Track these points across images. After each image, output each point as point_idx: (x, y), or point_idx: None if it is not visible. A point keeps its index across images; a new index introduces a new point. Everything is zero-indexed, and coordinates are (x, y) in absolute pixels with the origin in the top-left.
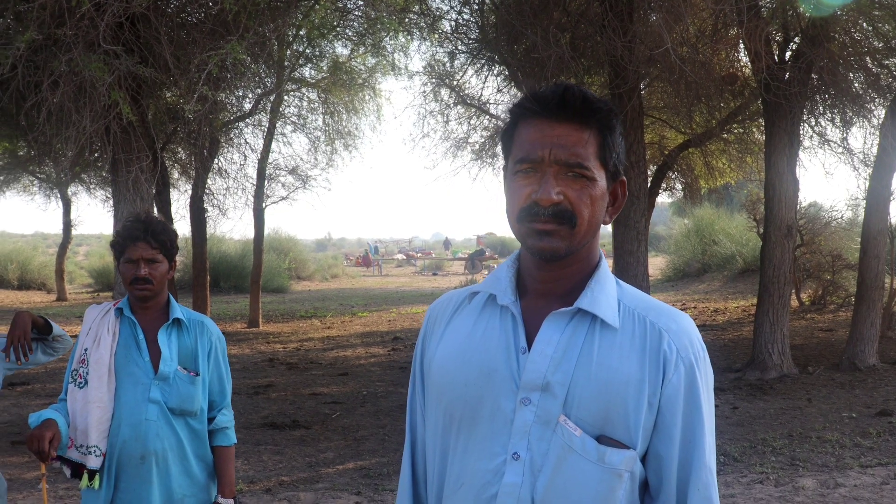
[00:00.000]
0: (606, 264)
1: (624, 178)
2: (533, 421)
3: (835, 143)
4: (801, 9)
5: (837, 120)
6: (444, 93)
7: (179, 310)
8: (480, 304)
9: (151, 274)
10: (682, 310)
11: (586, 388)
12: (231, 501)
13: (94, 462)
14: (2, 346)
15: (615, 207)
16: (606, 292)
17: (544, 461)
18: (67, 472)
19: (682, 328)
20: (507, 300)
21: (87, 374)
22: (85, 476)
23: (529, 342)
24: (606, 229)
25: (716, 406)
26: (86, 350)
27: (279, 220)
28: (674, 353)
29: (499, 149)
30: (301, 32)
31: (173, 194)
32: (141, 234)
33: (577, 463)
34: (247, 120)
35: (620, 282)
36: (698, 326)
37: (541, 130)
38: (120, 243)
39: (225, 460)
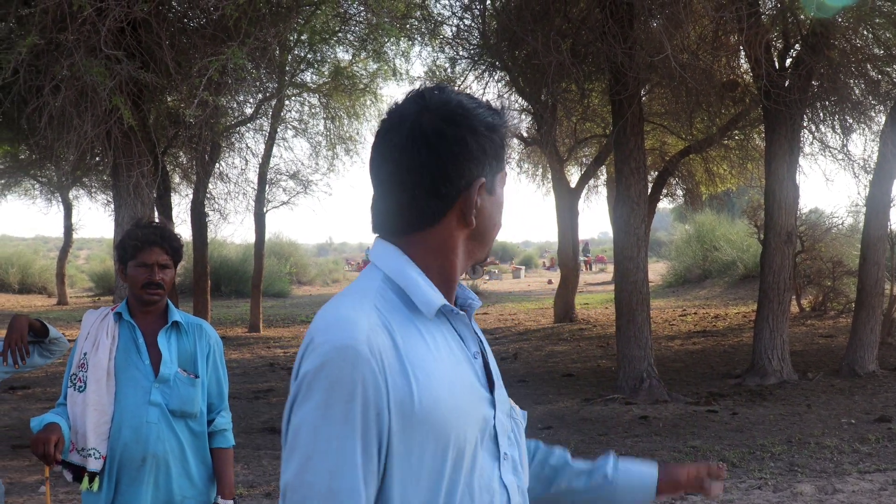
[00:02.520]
0: None
1: None
2: (504, 417)
3: (835, 149)
4: (803, 12)
5: (838, 127)
6: None
7: (178, 313)
8: (415, 318)
9: (163, 279)
10: (681, 315)
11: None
12: (231, 503)
13: (94, 465)
14: None
15: None
16: None
17: (516, 447)
18: (69, 476)
19: None
20: (450, 308)
21: (87, 378)
22: (85, 479)
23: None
24: (608, 235)
25: (715, 412)
26: (84, 354)
27: (280, 224)
28: None
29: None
30: (302, 37)
31: (174, 198)
32: (157, 239)
33: (523, 434)
34: (248, 124)
35: None
36: (699, 332)
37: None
38: (135, 246)
39: (224, 462)
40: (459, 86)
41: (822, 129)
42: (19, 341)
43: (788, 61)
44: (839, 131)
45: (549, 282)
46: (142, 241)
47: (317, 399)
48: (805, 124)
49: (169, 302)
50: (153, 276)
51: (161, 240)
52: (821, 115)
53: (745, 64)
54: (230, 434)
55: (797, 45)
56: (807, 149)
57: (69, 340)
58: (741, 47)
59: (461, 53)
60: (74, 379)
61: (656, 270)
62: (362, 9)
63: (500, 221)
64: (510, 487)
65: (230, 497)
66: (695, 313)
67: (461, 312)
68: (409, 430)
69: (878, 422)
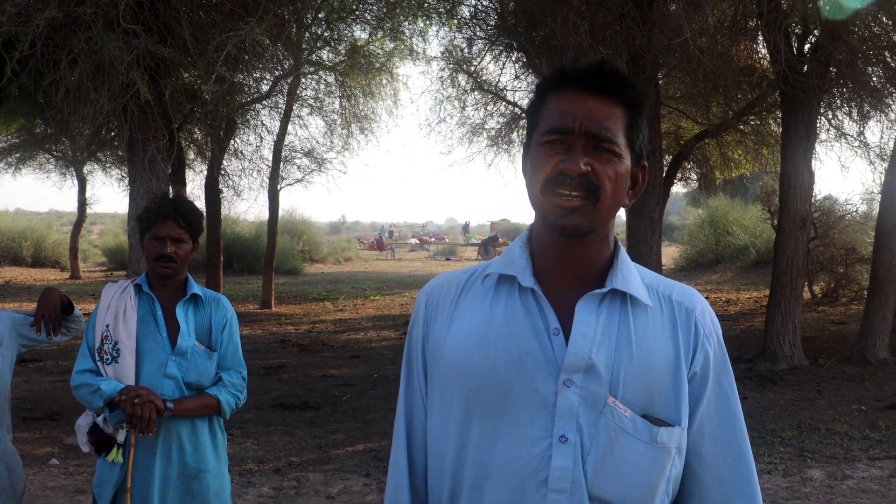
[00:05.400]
0: (623, 247)
1: (646, 162)
2: (579, 403)
3: (851, 136)
4: (822, 12)
5: (855, 113)
6: (462, 78)
7: (197, 287)
8: (492, 286)
9: (176, 252)
10: None
11: (629, 369)
12: (172, 406)
13: (121, 436)
14: (28, 321)
15: (635, 192)
16: (633, 273)
17: (593, 443)
18: (87, 447)
19: (704, 306)
20: (530, 282)
21: (114, 349)
22: (114, 450)
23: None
24: (620, 218)
25: None
26: (107, 326)
27: (294, 202)
28: (702, 330)
29: (514, 135)
30: (320, 15)
31: (189, 174)
32: (171, 212)
33: (629, 444)
34: (263, 102)
35: (635, 263)
36: None
37: (572, 102)
38: (149, 219)
39: (199, 397)
40: (476, 66)
41: (839, 116)
42: (53, 313)
43: (807, 47)
44: (856, 118)
45: None
46: (155, 213)
47: None
48: (822, 110)
49: (189, 276)
50: (164, 249)
51: (175, 213)
52: (838, 101)
53: (763, 49)
54: (225, 394)
55: (816, 30)
56: (823, 135)
57: (84, 320)
58: (760, 32)
59: (478, 34)
60: (100, 352)
61: (669, 254)
62: None
63: (534, 179)
64: (555, 471)
65: (177, 408)
66: (707, 297)
67: (533, 289)
68: (438, 374)
69: (889, 409)
